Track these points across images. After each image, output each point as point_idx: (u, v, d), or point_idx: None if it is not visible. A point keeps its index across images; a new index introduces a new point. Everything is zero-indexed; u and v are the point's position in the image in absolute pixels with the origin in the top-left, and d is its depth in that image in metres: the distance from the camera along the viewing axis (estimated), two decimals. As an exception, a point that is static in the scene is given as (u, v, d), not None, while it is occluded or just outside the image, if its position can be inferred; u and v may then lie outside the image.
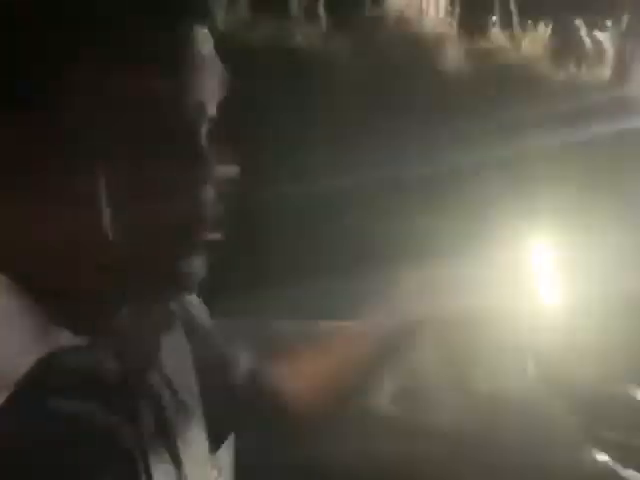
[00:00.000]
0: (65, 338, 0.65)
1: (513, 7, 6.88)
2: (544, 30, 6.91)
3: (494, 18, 6.90)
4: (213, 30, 0.70)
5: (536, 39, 6.90)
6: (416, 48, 6.69)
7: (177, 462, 0.74)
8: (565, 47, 6.87)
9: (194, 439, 0.77)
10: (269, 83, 5.66)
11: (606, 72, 6.82)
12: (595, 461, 2.23)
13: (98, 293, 0.68)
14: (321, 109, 5.81)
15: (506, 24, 6.95)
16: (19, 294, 0.63)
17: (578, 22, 6.88)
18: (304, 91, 5.80)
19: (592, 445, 2.31)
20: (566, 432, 2.37)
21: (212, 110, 0.70)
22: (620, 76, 6.62)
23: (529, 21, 6.92)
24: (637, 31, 6.64)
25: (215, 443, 0.87)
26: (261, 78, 5.59)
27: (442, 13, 6.96)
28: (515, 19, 6.92)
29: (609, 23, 6.91)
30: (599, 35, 6.90)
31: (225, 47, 0.77)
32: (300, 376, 1.01)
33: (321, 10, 6.83)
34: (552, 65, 6.86)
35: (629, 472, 2.22)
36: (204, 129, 0.70)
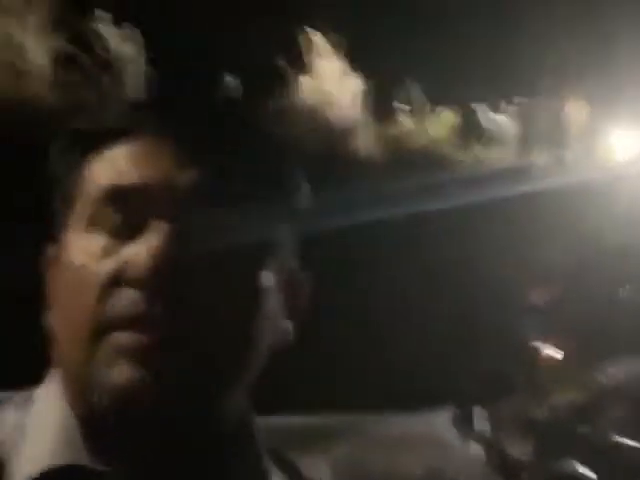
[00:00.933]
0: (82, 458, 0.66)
1: (419, 93, 7.15)
2: (449, 114, 7.19)
3: (401, 106, 7.15)
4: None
5: (442, 123, 7.17)
6: (328, 136, 6.85)
7: None
8: (469, 129, 7.16)
9: None
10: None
11: (509, 151, 7.12)
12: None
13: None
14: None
15: (413, 110, 7.21)
16: (66, 415, 0.67)
17: (480, 106, 7.20)
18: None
19: None
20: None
21: None
22: (523, 156, 6.92)
23: (435, 106, 7.20)
24: (534, 112, 6.99)
25: None
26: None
27: (351, 102, 7.17)
28: (421, 105, 7.19)
29: (509, 105, 7.27)
30: (501, 118, 7.23)
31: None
32: None
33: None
34: (458, 148, 7.13)
35: None
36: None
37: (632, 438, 3.03)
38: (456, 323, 4.97)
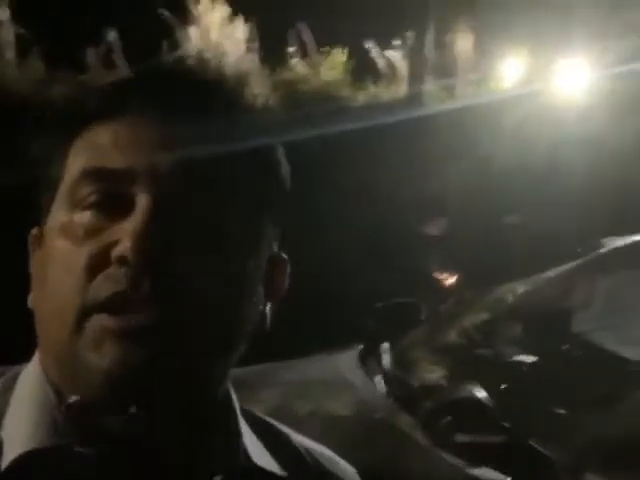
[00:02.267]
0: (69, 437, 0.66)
1: (309, 37, 7.10)
2: (340, 55, 7.18)
3: (291, 49, 7.09)
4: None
5: (334, 64, 7.16)
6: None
7: None
8: (362, 69, 7.18)
9: None
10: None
11: (403, 88, 7.19)
12: (447, 464, 2.35)
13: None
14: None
15: (305, 53, 7.16)
16: (50, 392, 0.68)
17: (370, 44, 7.20)
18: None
19: (444, 449, 2.44)
20: (417, 440, 2.49)
21: None
22: (415, 89, 6.99)
23: (325, 48, 7.17)
24: (423, 46, 7.05)
25: None
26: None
27: (242, 51, 7.07)
28: (312, 47, 7.15)
29: (398, 42, 7.30)
30: (391, 54, 7.27)
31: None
32: None
33: (118, 60, 6.76)
34: (352, 87, 7.15)
35: (481, 470, 2.36)
36: None
37: (527, 353, 3.17)
38: (357, 257, 5.02)
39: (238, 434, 0.71)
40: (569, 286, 3.41)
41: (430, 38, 7.08)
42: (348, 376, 3.07)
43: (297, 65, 7.14)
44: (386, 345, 3.46)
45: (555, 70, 7.04)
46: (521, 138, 6.17)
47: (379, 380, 3.11)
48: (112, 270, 0.63)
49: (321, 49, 7.20)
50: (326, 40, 7.13)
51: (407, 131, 5.98)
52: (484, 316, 3.61)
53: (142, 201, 0.64)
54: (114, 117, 0.68)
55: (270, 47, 7.02)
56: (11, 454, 0.65)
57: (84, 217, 0.65)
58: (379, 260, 4.86)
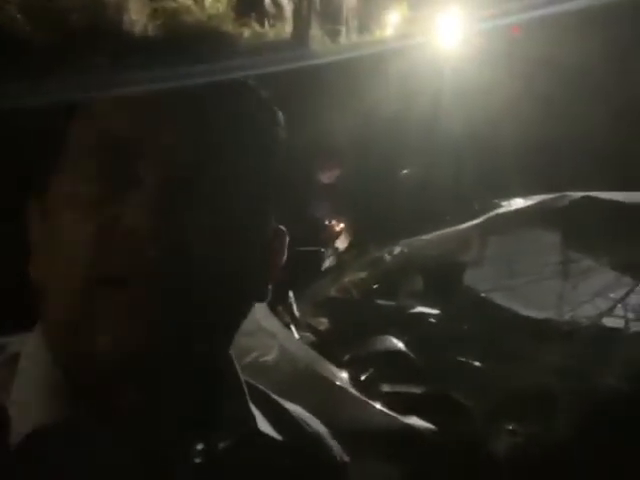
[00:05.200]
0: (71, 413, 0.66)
1: (193, -33, 6.86)
2: (225, -11, 7.00)
3: (176, -22, 6.83)
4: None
5: (219, -2, 6.98)
6: (98, 13, 6.41)
7: None
8: (247, 5, 7.04)
9: None
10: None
11: (287, 29, 7.13)
12: (380, 413, 2.49)
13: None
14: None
15: (188, -16, 6.92)
16: (55, 370, 0.67)
17: (257, -19, 7.07)
18: None
19: (376, 400, 2.57)
20: (346, 392, 2.60)
21: None
22: (300, 32, 6.97)
23: (210, -20, 6.96)
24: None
25: None
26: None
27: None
28: (196, -22, 6.92)
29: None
30: (277, -7, 7.17)
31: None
32: None
33: None
34: (236, 24, 7.01)
35: (410, 419, 2.52)
36: None
37: (429, 306, 3.36)
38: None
39: (247, 400, 0.73)
40: (465, 243, 3.62)
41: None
42: (263, 323, 3.13)
43: (180, -4, 6.90)
44: (291, 294, 3.54)
45: (433, 24, 7.23)
46: (403, 89, 6.33)
47: (292, 328, 3.20)
48: (118, 241, 0.62)
49: (206, -19, 6.98)
50: (212, -28, 6.92)
51: (292, 75, 5.98)
52: (363, 274, 3.75)
53: (149, 172, 0.63)
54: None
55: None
56: (21, 430, 0.64)
57: (90, 188, 0.64)
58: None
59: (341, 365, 2.80)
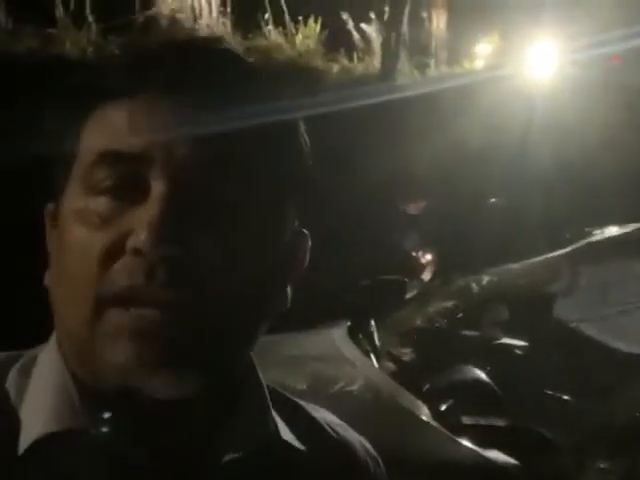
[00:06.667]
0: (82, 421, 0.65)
1: (284, 4, 7.01)
2: (315, 26, 7.12)
3: (267, 16, 7.00)
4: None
5: (308, 34, 7.09)
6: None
7: None
8: (335, 41, 7.13)
9: None
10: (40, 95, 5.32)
11: (376, 63, 7.17)
12: (459, 447, 2.40)
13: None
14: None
15: (278, 21, 7.07)
16: (68, 376, 0.67)
17: (345, 16, 7.16)
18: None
19: (451, 431, 2.49)
20: (427, 425, 2.54)
21: None
22: (388, 65, 6.99)
23: (300, 17, 7.09)
24: (399, 21, 7.04)
25: None
26: (28, 90, 5.28)
27: (215, 14, 6.94)
28: (286, 16, 7.06)
29: (373, 15, 7.27)
30: (366, 28, 7.24)
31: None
32: None
33: (89, 15, 6.56)
34: (325, 59, 7.10)
35: (492, 453, 2.41)
36: None
37: (514, 337, 3.23)
38: (338, 236, 5.04)
39: (268, 407, 0.71)
40: (555, 272, 3.49)
41: (406, 13, 7.07)
42: (345, 352, 3.08)
43: (271, 33, 7.05)
44: (373, 322, 3.49)
45: (525, 54, 7.13)
46: (493, 121, 6.24)
47: (373, 357, 3.14)
48: (127, 260, 0.61)
49: (297, 18, 7.12)
50: (301, 10, 7.06)
51: (380, 108, 5.98)
52: (448, 304, 3.66)
53: (158, 187, 0.62)
54: (128, 96, 0.65)
55: (244, 13, 6.91)
56: (30, 436, 0.64)
57: (99, 203, 0.63)
58: (361, 237, 4.89)
59: (421, 395, 2.72)
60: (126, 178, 0.63)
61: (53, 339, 0.70)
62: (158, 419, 0.65)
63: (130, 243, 0.61)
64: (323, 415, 0.80)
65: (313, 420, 0.78)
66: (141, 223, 0.61)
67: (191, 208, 0.62)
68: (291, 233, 0.70)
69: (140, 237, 0.60)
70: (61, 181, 0.67)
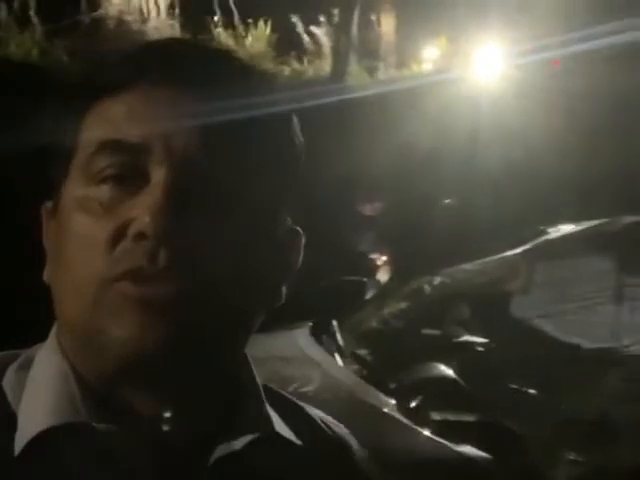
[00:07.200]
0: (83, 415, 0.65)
1: (233, 6, 6.99)
2: (265, 28, 7.11)
3: (216, 18, 6.96)
4: None
5: (258, 37, 7.08)
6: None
7: None
8: (285, 43, 7.14)
9: None
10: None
11: (326, 65, 7.20)
12: (431, 442, 2.43)
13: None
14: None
15: (228, 23, 7.05)
16: (67, 369, 0.67)
17: (295, 19, 7.17)
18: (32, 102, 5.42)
19: (426, 428, 2.51)
20: (398, 422, 2.55)
21: None
22: (338, 68, 7.02)
23: (249, 20, 7.08)
24: (349, 24, 7.08)
25: None
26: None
27: (163, 15, 6.88)
28: (236, 18, 7.04)
29: (323, 18, 7.30)
30: (315, 30, 7.26)
31: None
32: None
33: (33, 16, 6.44)
34: (276, 62, 7.10)
35: (464, 447, 2.44)
36: None
37: (476, 335, 3.28)
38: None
39: (263, 401, 0.72)
40: (512, 270, 3.55)
41: (355, 17, 7.12)
42: (309, 352, 3.09)
43: (221, 35, 7.02)
44: (335, 323, 3.50)
45: (471, 58, 7.25)
46: (441, 123, 6.33)
47: (338, 357, 3.15)
48: (130, 244, 0.62)
49: (246, 21, 7.10)
50: (251, 12, 7.04)
51: (330, 110, 6.01)
52: (402, 305, 3.69)
53: (158, 174, 0.63)
54: (127, 89, 0.66)
55: (192, 14, 6.86)
56: (30, 431, 0.64)
57: (100, 191, 0.64)
58: (317, 239, 4.88)
59: (388, 393, 2.74)
60: (127, 167, 0.64)
61: (52, 337, 0.70)
62: (158, 418, 0.65)
63: (133, 228, 0.62)
64: (317, 412, 0.80)
65: (308, 417, 0.78)
66: (144, 208, 0.62)
67: (190, 195, 0.63)
68: (285, 229, 0.71)
69: (143, 223, 0.61)
70: (60, 177, 0.68)
